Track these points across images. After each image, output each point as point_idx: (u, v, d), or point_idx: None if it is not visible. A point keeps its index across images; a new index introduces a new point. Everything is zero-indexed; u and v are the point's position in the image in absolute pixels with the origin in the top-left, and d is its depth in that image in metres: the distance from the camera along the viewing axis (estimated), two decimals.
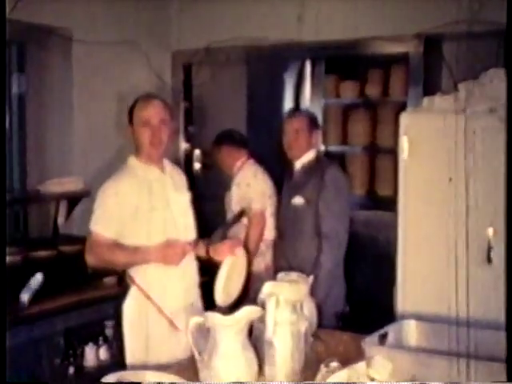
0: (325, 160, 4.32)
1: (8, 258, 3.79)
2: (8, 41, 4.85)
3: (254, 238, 4.42)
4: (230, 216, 4.58)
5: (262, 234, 4.46)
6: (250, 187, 4.47)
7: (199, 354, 2.36)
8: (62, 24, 4.70)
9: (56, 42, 4.80)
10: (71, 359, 3.89)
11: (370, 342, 2.45)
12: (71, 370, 3.87)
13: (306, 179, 4.09)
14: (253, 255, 4.40)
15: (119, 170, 3.25)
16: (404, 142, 3.45)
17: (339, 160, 5.45)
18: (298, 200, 4.07)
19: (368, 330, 2.57)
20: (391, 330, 2.63)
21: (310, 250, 3.97)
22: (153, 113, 3.21)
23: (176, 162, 5.42)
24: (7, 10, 2.31)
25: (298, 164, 4.17)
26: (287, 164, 4.27)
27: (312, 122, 4.25)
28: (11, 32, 4.67)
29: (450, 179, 3.03)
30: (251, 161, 4.62)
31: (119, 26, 5.01)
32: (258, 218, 4.44)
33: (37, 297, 3.73)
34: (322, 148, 5.45)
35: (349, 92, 5.46)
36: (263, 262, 4.48)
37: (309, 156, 4.15)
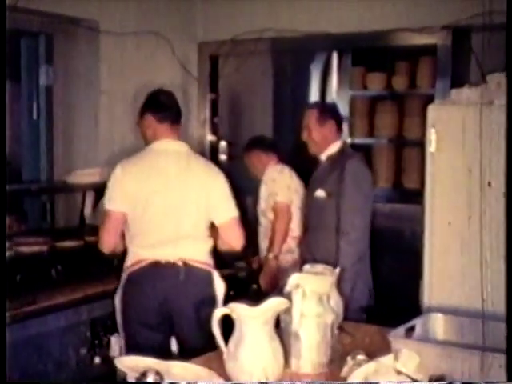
0: (349, 152, 4.19)
1: (35, 248, 3.84)
2: (36, 32, 4.93)
3: (279, 230, 4.43)
4: (259, 217, 4.64)
5: (287, 228, 4.45)
6: (275, 182, 4.51)
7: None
8: (89, 15, 4.72)
9: (83, 33, 4.83)
10: (97, 349, 3.91)
11: (396, 335, 2.44)
12: (97, 359, 3.89)
13: (328, 172, 4.05)
14: (279, 248, 4.40)
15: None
16: (431, 135, 3.41)
17: (365, 152, 5.41)
18: (319, 193, 4.04)
19: (394, 324, 2.56)
20: (418, 323, 2.61)
21: (333, 243, 3.93)
22: None
23: (202, 153, 5.45)
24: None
25: (323, 156, 4.13)
26: (314, 157, 4.23)
27: (323, 113, 4.14)
28: (39, 23, 4.74)
29: (470, 170, 3.00)
30: (281, 165, 4.68)
31: (146, 18, 5.02)
32: (283, 211, 4.45)
33: (63, 287, 3.76)
34: (348, 139, 5.44)
35: (376, 84, 5.42)
36: (291, 258, 4.48)
37: (332, 149, 4.09)
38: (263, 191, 4.58)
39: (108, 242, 3.36)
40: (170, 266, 3.31)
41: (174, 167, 3.39)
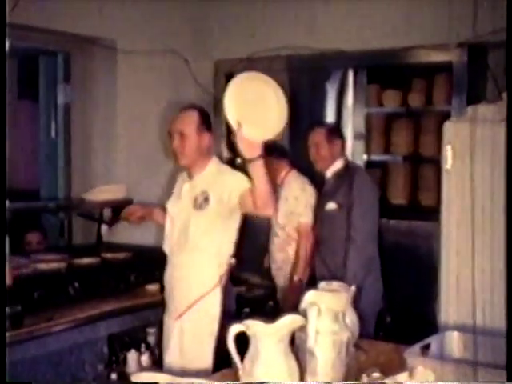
0: (353, 166, 4.49)
1: (52, 265, 3.87)
2: (54, 51, 4.99)
3: (305, 252, 4.43)
4: (275, 228, 4.60)
5: (311, 249, 4.44)
6: (298, 201, 4.49)
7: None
8: (106, 34, 4.77)
9: (100, 52, 4.88)
10: (114, 365, 3.92)
11: (412, 353, 2.43)
12: (114, 375, 3.91)
13: (336, 186, 4.27)
14: (304, 270, 4.40)
15: None
16: (448, 152, 3.42)
17: (381, 169, 5.43)
18: (330, 206, 4.26)
19: (409, 341, 2.55)
20: (433, 341, 2.60)
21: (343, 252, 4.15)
22: (173, 126, 3.40)
23: None
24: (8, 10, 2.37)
25: (329, 173, 4.37)
26: (320, 173, 4.44)
27: (332, 132, 4.43)
28: (57, 43, 4.80)
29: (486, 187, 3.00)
30: (294, 172, 4.63)
31: (162, 36, 5.06)
32: (307, 233, 4.46)
33: (80, 303, 3.78)
34: (364, 156, 5.46)
35: (391, 101, 5.43)
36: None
37: (337, 165, 4.34)
38: (283, 206, 4.51)
39: None
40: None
41: None
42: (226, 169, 3.46)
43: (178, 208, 3.46)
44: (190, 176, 3.45)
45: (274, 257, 4.63)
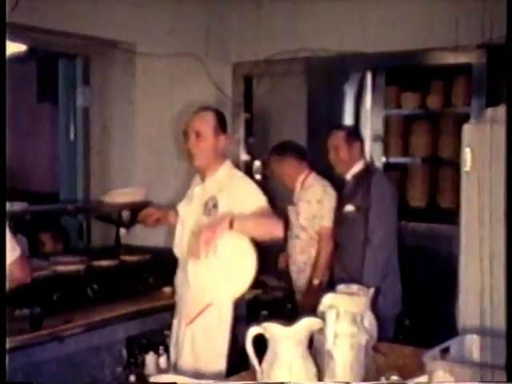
0: (373, 169, 4.51)
1: (71, 267, 3.89)
2: (73, 54, 5.02)
3: (325, 256, 4.42)
4: (295, 230, 4.59)
5: (332, 252, 4.44)
6: (321, 204, 4.47)
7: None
8: (125, 37, 4.79)
9: (119, 54, 4.90)
10: (132, 367, 3.93)
11: (431, 356, 2.42)
12: (132, 377, 3.92)
13: (355, 188, 4.28)
14: (323, 273, 4.39)
15: None
16: (467, 154, 3.40)
17: (400, 171, 5.41)
18: (349, 208, 4.26)
19: (429, 344, 2.54)
20: (453, 344, 2.58)
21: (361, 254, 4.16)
22: (189, 125, 3.38)
23: None
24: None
25: (348, 176, 4.38)
26: (338, 176, 4.47)
27: (350, 135, 4.46)
28: (76, 46, 4.83)
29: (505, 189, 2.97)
30: (314, 174, 4.62)
31: (181, 39, 5.07)
32: (328, 236, 4.45)
33: (99, 305, 3.79)
34: (382, 159, 5.44)
35: (410, 103, 5.41)
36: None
37: (357, 168, 4.35)
38: (305, 209, 4.50)
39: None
40: None
41: None
42: (238, 174, 3.43)
43: (188, 211, 3.44)
44: (203, 179, 3.43)
45: (295, 259, 4.61)
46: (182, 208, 3.51)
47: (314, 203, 4.47)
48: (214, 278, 3.04)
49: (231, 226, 2.98)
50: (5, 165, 2.68)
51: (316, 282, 4.38)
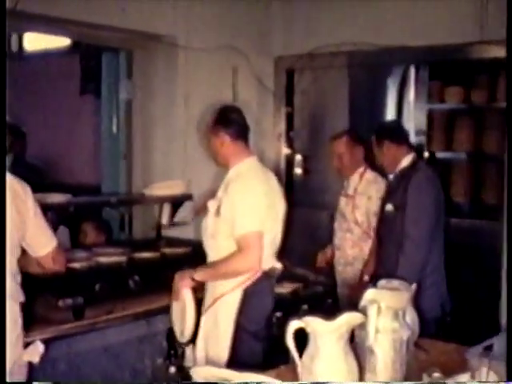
0: (419, 166, 4.18)
1: (113, 259, 3.93)
2: (116, 48, 5.07)
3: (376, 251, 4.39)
4: (348, 224, 4.56)
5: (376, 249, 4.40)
6: (371, 200, 4.45)
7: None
8: (167, 31, 4.82)
9: (162, 48, 4.93)
10: (172, 359, 3.95)
11: (474, 354, 2.39)
12: (172, 369, 3.94)
13: (397, 186, 4.10)
14: (373, 269, 4.36)
15: None
16: None
17: (443, 166, 5.35)
18: (388, 207, 4.10)
19: (471, 341, 2.51)
20: (496, 341, 2.55)
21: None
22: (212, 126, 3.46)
23: (277, 167, 5.47)
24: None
25: (395, 171, 4.18)
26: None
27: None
28: (119, 40, 4.87)
29: None
30: (369, 169, 4.56)
31: (223, 33, 5.08)
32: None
33: (140, 297, 3.83)
34: (426, 153, 5.38)
35: (454, 97, 5.36)
36: (351, 270, 4.46)
37: (404, 163, 4.11)
38: (365, 204, 4.47)
39: (260, 262, 3.31)
40: (274, 274, 3.43)
41: (276, 183, 3.50)
42: (241, 176, 3.39)
43: (211, 205, 3.45)
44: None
45: (345, 253, 4.58)
46: (210, 202, 3.49)
47: (375, 200, 4.40)
48: None
49: (193, 279, 3.33)
50: (5, 164, 2.72)
51: (366, 277, 4.35)
